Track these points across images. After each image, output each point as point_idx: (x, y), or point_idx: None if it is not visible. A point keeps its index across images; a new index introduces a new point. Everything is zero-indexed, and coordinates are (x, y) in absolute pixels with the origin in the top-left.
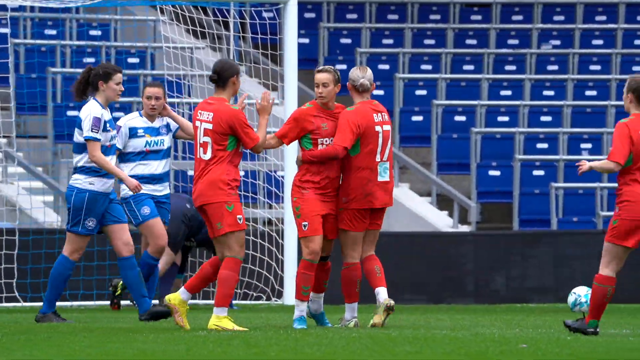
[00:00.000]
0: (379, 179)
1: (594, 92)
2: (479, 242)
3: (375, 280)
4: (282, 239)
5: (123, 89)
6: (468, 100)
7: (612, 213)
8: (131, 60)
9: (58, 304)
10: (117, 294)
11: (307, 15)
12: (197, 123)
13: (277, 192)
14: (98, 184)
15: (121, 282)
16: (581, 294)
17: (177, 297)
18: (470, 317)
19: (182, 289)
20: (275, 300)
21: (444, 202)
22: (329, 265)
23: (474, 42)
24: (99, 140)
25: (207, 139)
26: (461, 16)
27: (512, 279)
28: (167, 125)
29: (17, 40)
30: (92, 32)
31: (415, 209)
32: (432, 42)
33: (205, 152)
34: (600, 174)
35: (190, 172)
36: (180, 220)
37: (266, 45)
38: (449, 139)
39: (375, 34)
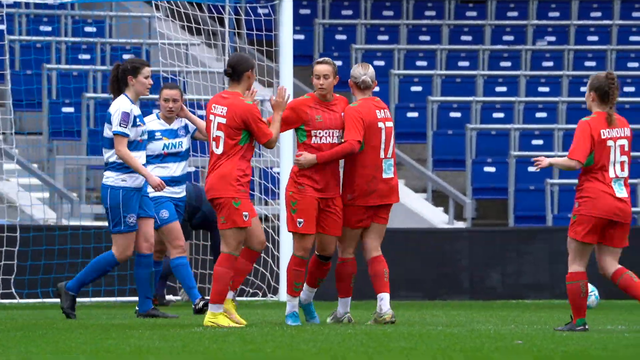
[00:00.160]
0: (384, 175)
1: None
2: (475, 238)
3: (381, 285)
4: (278, 236)
5: (152, 82)
6: (463, 96)
7: None
8: (126, 56)
9: (53, 300)
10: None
11: (303, 11)
12: (211, 117)
13: (273, 188)
14: (130, 180)
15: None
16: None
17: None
18: (466, 313)
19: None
20: (271, 297)
21: (439, 199)
22: (328, 266)
23: (469, 38)
24: (127, 135)
25: (220, 133)
26: (456, 12)
27: (508, 275)
28: (186, 127)
29: (12, 37)
30: (87, 29)
31: (410, 205)
32: (427, 38)
33: (217, 146)
34: None
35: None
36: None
37: (261, 42)
38: (444, 135)
39: (370, 30)
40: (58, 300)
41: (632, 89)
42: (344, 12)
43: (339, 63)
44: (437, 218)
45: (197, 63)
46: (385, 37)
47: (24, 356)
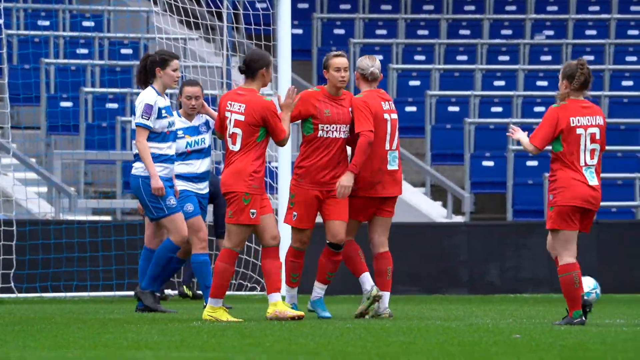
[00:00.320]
0: (389, 167)
1: None
2: (473, 232)
3: (382, 283)
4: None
5: (180, 75)
6: (462, 90)
7: (606, 203)
8: (124, 51)
9: (51, 294)
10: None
11: (301, 5)
12: (227, 114)
13: (272, 182)
14: (158, 169)
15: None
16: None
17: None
18: (464, 307)
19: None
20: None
21: (437, 193)
22: (339, 258)
23: (467, 32)
24: (147, 127)
25: (237, 130)
26: (455, 7)
27: (506, 270)
28: (207, 123)
29: (10, 32)
30: (85, 23)
31: (409, 200)
32: (425, 32)
33: (234, 143)
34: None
35: None
36: None
37: (260, 36)
38: (442, 130)
39: (368, 25)
40: (56, 294)
41: (630, 82)
42: (342, 7)
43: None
44: (436, 212)
45: (196, 57)
46: (384, 32)
47: (22, 351)
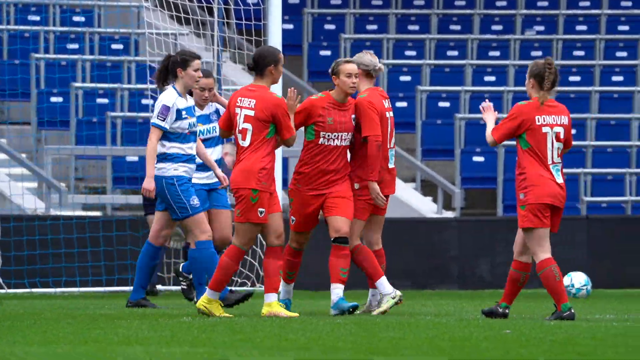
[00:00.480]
0: (389, 165)
1: (577, 78)
2: (463, 227)
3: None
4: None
5: (202, 75)
6: (452, 86)
7: (597, 198)
8: (115, 46)
9: (40, 290)
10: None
11: (291, 0)
12: (237, 110)
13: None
14: (181, 169)
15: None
16: (575, 283)
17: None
18: (455, 302)
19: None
20: (260, 287)
21: (428, 188)
22: (347, 251)
23: (458, 27)
24: (161, 128)
25: (247, 126)
26: (445, 2)
27: (496, 265)
28: (217, 111)
29: (0, 27)
30: (76, 18)
31: (399, 195)
32: (416, 27)
33: (244, 139)
34: (585, 160)
35: None
36: None
37: (250, 31)
38: (433, 125)
39: (359, 20)
40: (46, 290)
41: (620, 78)
42: (333, 2)
43: (327, 53)
44: (426, 207)
45: None
46: (374, 27)
47: (12, 346)
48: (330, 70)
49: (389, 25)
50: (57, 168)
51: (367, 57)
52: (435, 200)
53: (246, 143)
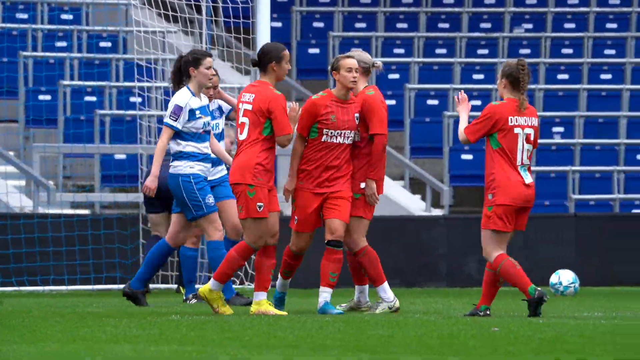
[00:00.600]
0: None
1: (565, 76)
2: (452, 225)
3: (362, 277)
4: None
5: (214, 72)
6: (441, 84)
7: (585, 196)
8: (103, 44)
9: (28, 288)
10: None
11: None
12: (240, 105)
13: None
14: (197, 168)
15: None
16: (563, 281)
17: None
18: (443, 300)
19: (255, 293)
20: (249, 285)
21: (416, 186)
22: (340, 256)
23: (446, 25)
24: (173, 128)
25: (245, 120)
26: (433, 0)
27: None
28: (220, 108)
29: None
30: (64, 16)
31: (388, 193)
32: (404, 25)
33: (241, 132)
34: (573, 158)
35: None
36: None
37: (239, 29)
38: (421, 123)
39: (347, 18)
40: (34, 288)
41: (609, 76)
42: (322, 0)
43: (316, 51)
44: (415, 205)
45: (174, 51)
46: (363, 25)
47: (0, 345)
48: (330, 67)
49: (377, 23)
50: (45, 166)
51: (365, 55)
52: (423, 198)
53: (243, 136)
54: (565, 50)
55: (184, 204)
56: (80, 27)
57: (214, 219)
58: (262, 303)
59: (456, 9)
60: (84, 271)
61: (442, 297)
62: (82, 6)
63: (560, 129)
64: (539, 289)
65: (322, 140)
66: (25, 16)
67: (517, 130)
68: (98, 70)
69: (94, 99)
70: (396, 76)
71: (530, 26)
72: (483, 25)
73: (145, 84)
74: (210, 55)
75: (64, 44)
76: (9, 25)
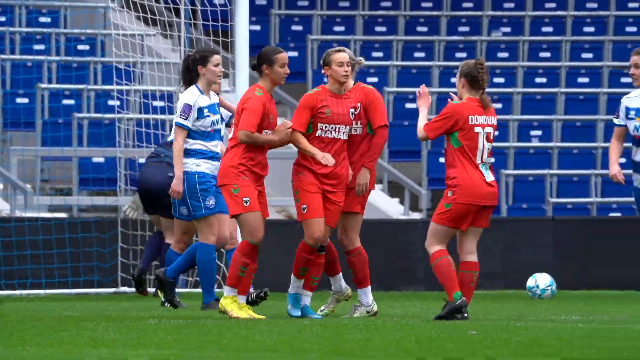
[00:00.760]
0: None
1: (543, 79)
2: None
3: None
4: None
5: (222, 70)
6: (419, 87)
7: (562, 200)
8: (81, 47)
9: (5, 292)
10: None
11: (258, 2)
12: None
13: None
14: (204, 166)
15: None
16: (540, 284)
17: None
18: (421, 304)
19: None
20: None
21: (395, 189)
22: (322, 260)
23: (424, 29)
24: (184, 127)
25: (235, 120)
26: (412, 3)
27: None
28: (218, 105)
29: None
30: (42, 19)
31: None
32: (383, 29)
33: (230, 132)
34: (550, 161)
35: (140, 160)
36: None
37: (217, 32)
38: (400, 126)
39: (326, 21)
40: (11, 292)
41: (586, 79)
42: (300, 3)
43: (294, 54)
44: (393, 209)
45: (153, 54)
46: (342, 28)
47: None
48: (321, 62)
49: (356, 27)
50: (22, 169)
51: (350, 53)
52: (402, 202)
53: (231, 135)
54: (542, 54)
55: (183, 200)
56: (58, 30)
57: (211, 222)
58: (241, 306)
59: (434, 13)
60: (61, 275)
61: (420, 300)
62: (60, 9)
63: (538, 133)
64: (464, 298)
65: (317, 135)
66: (2, 19)
67: (477, 129)
68: (76, 74)
69: (72, 102)
70: (375, 79)
71: (508, 30)
72: (461, 28)
73: (124, 87)
74: (218, 53)
75: (41, 46)
76: None
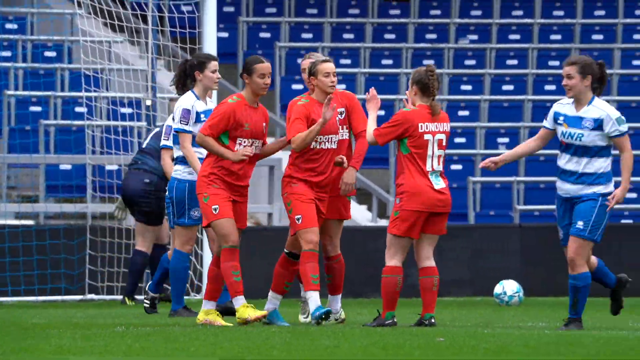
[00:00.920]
0: None
1: (510, 87)
2: None
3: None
4: (201, 233)
5: (219, 76)
6: (387, 94)
7: (529, 207)
8: (48, 54)
9: None
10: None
11: (226, 9)
12: None
13: None
14: (196, 175)
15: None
16: (507, 291)
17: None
18: None
19: (204, 301)
20: (195, 295)
21: (363, 197)
22: (296, 266)
23: (392, 36)
24: (187, 132)
25: None
26: (380, 10)
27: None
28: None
29: None
30: (8, 26)
31: None
32: (351, 36)
33: None
34: (517, 168)
35: (109, 167)
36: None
37: (185, 39)
38: None
39: (294, 28)
40: None
41: (553, 87)
42: (268, 10)
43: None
44: (361, 216)
45: (120, 60)
46: (309, 35)
47: None
48: (307, 72)
49: (324, 34)
50: None
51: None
52: (370, 209)
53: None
54: (510, 62)
55: (171, 205)
56: (25, 36)
57: (192, 232)
58: (209, 312)
59: (402, 20)
60: (28, 282)
61: None
62: (26, 15)
63: (505, 140)
64: (395, 320)
65: (312, 147)
66: None
67: (427, 136)
68: (43, 80)
69: (39, 109)
70: (342, 86)
71: (475, 37)
72: (429, 36)
73: (92, 94)
74: (216, 59)
75: (8, 53)
76: None
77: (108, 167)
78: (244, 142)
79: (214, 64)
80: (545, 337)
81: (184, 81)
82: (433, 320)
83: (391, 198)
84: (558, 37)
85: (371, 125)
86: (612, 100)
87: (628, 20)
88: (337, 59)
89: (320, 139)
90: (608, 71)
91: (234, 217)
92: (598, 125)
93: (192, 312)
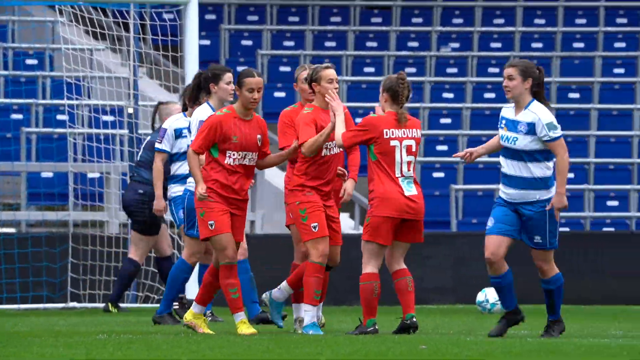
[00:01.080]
0: None
1: (492, 95)
2: None
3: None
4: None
5: (234, 87)
6: (368, 102)
7: None
8: (29, 61)
9: None
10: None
11: (208, 16)
12: None
13: None
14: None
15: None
16: (489, 299)
17: (190, 312)
18: None
19: (194, 303)
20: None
21: (344, 204)
22: (327, 278)
23: (374, 44)
24: None
25: None
26: (361, 18)
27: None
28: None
29: None
30: None
31: None
32: (332, 44)
33: None
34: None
35: (90, 175)
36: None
37: (167, 47)
38: None
39: (276, 36)
40: None
41: None
42: (250, 18)
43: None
44: (343, 223)
45: (102, 68)
46: (291, 43)
47: None
48: (309, 79)
49: (305, 42)
50: None
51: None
52: (352, 216)
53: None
54: (491, 69)
55: (183, 215)
56: (6, 44)
57: (198, 246)
58: (197, 316)
59: (384, 28)
60: (10, 290)
61: None
62: (8, 23)
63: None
64: (376, 327)
65: (322, 154)
66: None
67: (393, 142)
68: (25, 88)
69: (20, 116)
70: None
71: (457, 45)
72: (410, 44)
73: (74, 102)
74: (230, 71)
75: None
76: None
77: (90, 175)
78: (234, 154)
79: (229, 76)
80: (527, 344)
81: (197, 94)
82: (415, 320)
83: None
84: (539, 45)
85: (340, 128)
86: (594, 109)
87: (609, 29)
88: None
89: (329, 145)
90: (589, 79)
91: (232, 230)
92: (531, 129)
93: (177, 320)
